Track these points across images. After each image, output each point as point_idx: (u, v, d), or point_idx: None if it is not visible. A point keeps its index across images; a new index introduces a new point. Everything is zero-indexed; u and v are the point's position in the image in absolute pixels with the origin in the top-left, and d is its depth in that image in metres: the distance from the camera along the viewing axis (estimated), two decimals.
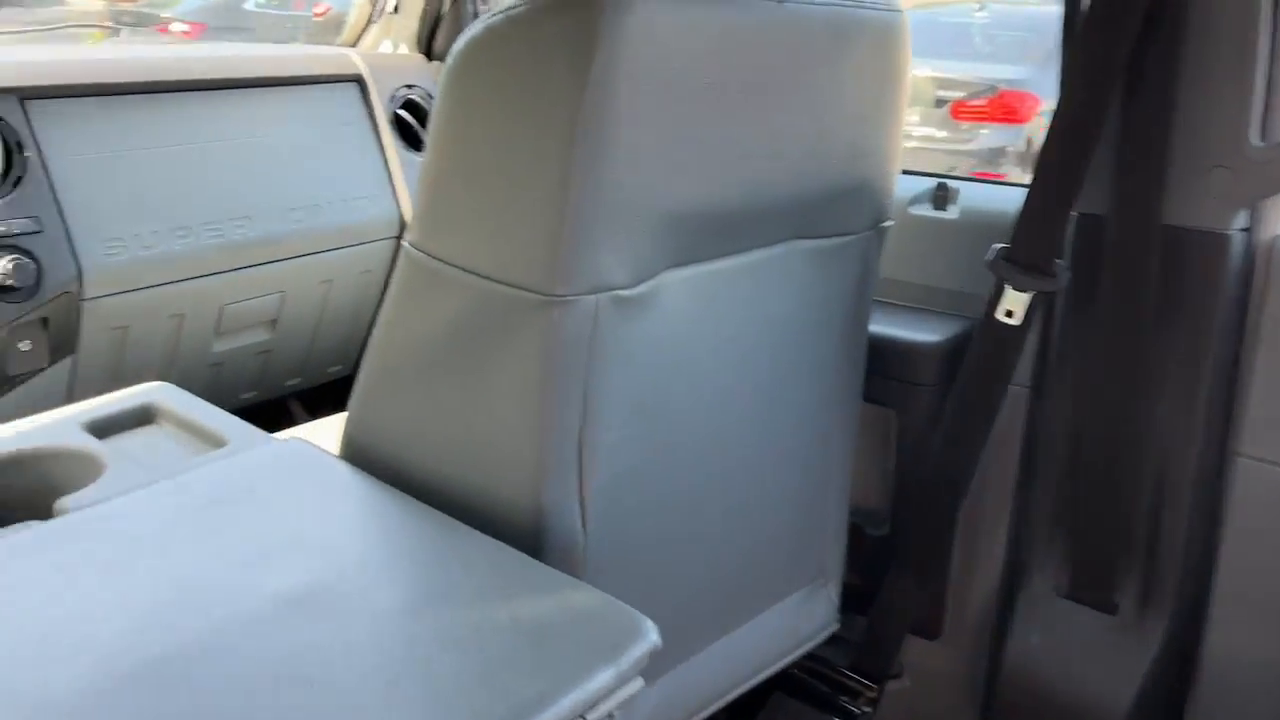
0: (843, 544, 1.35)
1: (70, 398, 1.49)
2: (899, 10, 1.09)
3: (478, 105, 0.86)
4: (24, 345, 1.33)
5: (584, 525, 0.92)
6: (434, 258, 0.90)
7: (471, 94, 0.86)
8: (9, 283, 1.27)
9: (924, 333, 1.38)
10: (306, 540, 0.82)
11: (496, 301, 0.86)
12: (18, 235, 1.30)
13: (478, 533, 0.85)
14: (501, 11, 0.83)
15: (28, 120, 1.36)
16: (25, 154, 1.34)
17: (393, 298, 0.95)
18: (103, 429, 1.02)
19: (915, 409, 1.40)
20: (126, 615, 0.71)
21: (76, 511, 0.85)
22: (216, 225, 1.54)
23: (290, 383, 1.89)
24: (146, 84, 1.49)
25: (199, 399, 1.09)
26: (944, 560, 1.42)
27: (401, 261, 0.93)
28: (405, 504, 0.89)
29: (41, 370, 1.38)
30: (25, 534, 0.81)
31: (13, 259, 1.28)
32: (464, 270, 0.88)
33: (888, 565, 1.41)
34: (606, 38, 0.80)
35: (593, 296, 0.86)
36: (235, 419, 1.04)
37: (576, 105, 0.80)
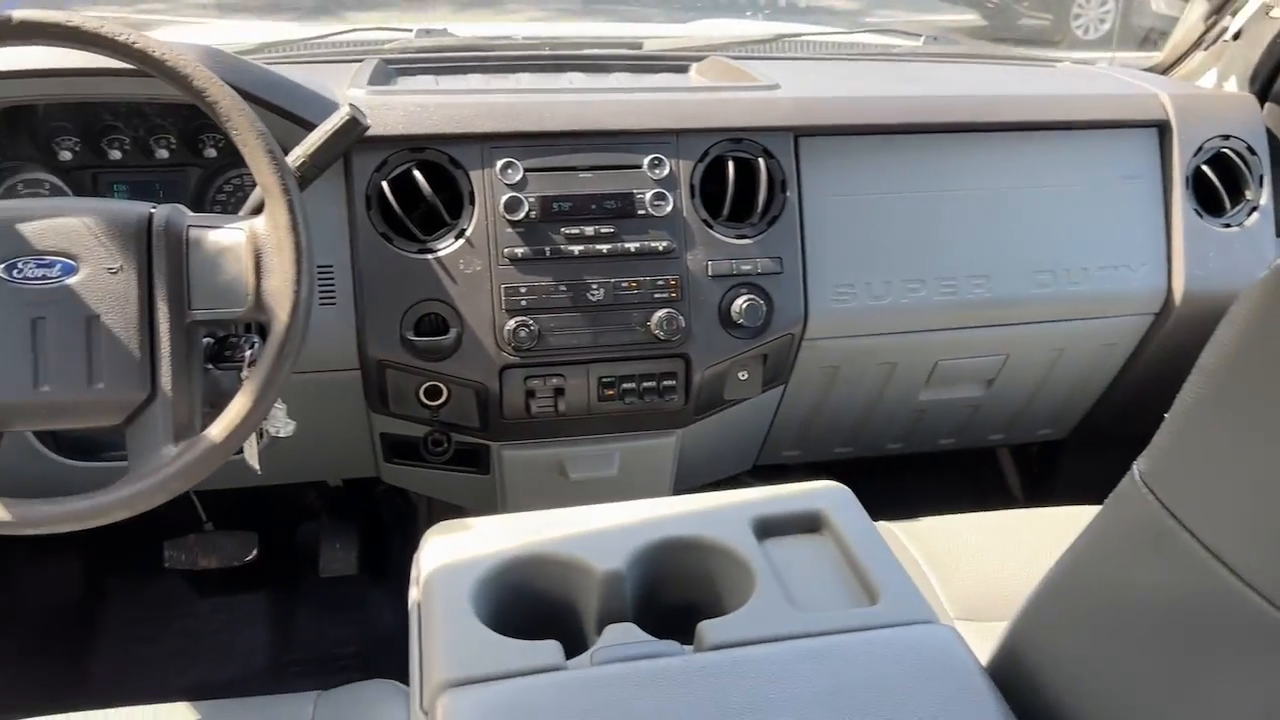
0: None
1: (774, 418, 1.54)
2: None
3: None
4: (742, 375, 1.39)
5: None
6: (1164, 506, 0.68)
7: None
8: (740, 320, 1.32)
9: None
10: None
11: (1240, 609, 0.63)
12: (760, 275, 1.34)
13: None
14: None
15: (797, 159, 1.38)
16: (786, 193, 1.36)
17: (1101, 520, 0.76)
18: (767, 529, 1.00)
19: None
20: None
21: (713, 652, 0.83)
22: (951, 281, 1.43)
23: (994, 437, 1.76)
24: (917, 124, 1.42)
25: (868, 522, 1.01)
26: None
27: (1126, 485, 0.73)
28: None
29: (752, 398, 1.44)
30: (661, 665, 0.82)
31: (748, 299, 1.32)
32: (1202, 545, 0.65)
33: None
34: None
35: None
36: (895, 566, 0.95)
37: None
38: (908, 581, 0.93)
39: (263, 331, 1.11)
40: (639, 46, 1.75)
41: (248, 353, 1.10)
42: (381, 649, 1.79)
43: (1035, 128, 1.46)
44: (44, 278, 0.94)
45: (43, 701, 1.16)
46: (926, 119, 1.42)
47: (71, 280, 0.95)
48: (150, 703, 1.10)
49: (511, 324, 1.27)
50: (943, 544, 1.33)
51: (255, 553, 1.82)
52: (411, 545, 1.70)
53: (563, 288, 1.28)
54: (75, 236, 0.95)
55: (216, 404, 1.08)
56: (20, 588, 1.78)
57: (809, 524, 1.03)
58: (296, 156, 1.08)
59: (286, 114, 1.20)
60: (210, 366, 1.09)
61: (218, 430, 0.95)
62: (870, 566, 0.94)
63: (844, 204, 1.40)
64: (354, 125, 1.10)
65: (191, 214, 1.00)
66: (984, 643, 0.88)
